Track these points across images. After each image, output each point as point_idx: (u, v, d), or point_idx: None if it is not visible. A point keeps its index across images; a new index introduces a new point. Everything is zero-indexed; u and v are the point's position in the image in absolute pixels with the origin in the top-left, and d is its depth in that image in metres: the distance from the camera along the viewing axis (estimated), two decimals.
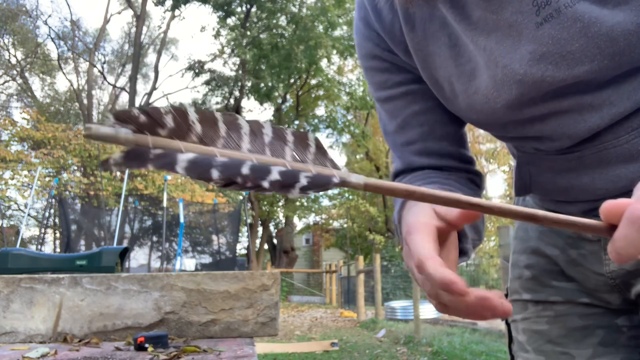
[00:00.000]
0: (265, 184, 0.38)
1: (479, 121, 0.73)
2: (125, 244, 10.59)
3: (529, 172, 0.76)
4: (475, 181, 0.80)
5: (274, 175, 0.38)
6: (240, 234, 14.96)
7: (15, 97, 24.01)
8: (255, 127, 0.39)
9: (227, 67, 25.22)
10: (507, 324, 0.90)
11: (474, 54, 0.67)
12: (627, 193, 0.67)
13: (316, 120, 23.08)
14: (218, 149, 0.36)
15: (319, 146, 0.41)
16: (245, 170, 0.37)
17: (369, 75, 0.82)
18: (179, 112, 0.36)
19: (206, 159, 0.36)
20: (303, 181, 0.39)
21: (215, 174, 0.36)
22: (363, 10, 0.78)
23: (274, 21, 19.56)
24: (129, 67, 24.20)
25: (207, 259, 11.82)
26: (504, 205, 0.42)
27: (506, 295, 0.90)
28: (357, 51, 0.83)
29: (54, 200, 10.70)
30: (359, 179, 0.41)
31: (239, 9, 20.00)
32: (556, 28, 0.59)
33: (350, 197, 22.98)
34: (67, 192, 14.12)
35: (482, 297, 0.47)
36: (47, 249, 15.20)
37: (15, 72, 23.00)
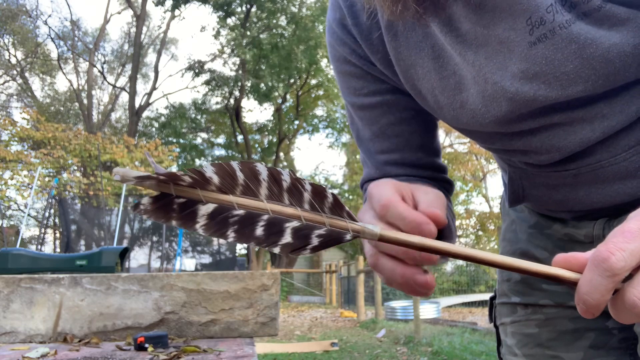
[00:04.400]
0: (276, 249, 0.40)
1: (465, 131, 0.71)
2: (125, 244, 10.59)
3: (522, 185, 0.75)
4: (446, 188, 0.78)
5: (287, 239, 0.40)
6: None
7: (15, 97, 24.02)
8: (276, 174, 0.40)
9: (227, 67, 25.20)
10: (496, 327, 0.89)
11: (459, 66, 0.64)
12: (625, 205, 0.66)
13: (316, 120, 23.08)
14: (235, 197, 0.38)
15: (335, 200, 0.41)
16: (259, 232, 0.39)
17: (343, 79, 0.77)
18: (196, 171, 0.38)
19: (224, 221, 0.39)
20: (315, 242, 0.41)
21: (231, 235, 0.39)
22: (339, 11, 0.73)
23: (274, 21, 19.56)
24: (129, 67, 24.19)
25: (207, 259, 11.82)
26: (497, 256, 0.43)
27: (494, 298, 0.90)
28: (329, 52, 0.78)
29: (54, 200, 10.70)
30: (374, 230, 0.41)
31: (239, 9, 20.00)
32: (550, 49, 0.56)
33: (350, 197, 22.98)
34: (67, 192, 14.10)
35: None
36: (47, 249, 15.19)
37: (15, 72, 23.00)
